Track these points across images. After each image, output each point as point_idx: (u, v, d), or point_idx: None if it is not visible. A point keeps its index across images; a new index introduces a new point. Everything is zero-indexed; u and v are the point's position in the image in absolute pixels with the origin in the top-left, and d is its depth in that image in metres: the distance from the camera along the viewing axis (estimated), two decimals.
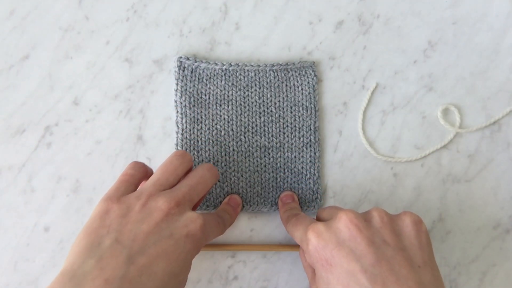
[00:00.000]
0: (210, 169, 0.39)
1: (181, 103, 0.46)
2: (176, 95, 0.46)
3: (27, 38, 0.48)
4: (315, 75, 0.47)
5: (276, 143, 0.46)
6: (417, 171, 0.47)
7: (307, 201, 0.46)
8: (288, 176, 0.46)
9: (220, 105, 0.46)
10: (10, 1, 0.48)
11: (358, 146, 0.47)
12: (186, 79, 0.46)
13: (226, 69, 0.47)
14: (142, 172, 0.39)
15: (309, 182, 0.46)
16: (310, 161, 0.46)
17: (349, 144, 0.47)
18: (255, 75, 0.47)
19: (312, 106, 0.46)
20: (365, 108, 0.47)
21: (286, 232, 0.46)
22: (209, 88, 0.46)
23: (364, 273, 0.32)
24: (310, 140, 0.46)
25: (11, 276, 0.45)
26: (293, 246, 0.46)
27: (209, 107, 0.46)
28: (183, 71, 0.46)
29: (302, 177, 0.46)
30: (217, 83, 0.47)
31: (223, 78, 0.47)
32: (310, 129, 0.46)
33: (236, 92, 0.46)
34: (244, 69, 0.47)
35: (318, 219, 0.40)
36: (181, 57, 0.47)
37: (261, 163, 0.46)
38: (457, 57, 0.48)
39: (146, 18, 0.48)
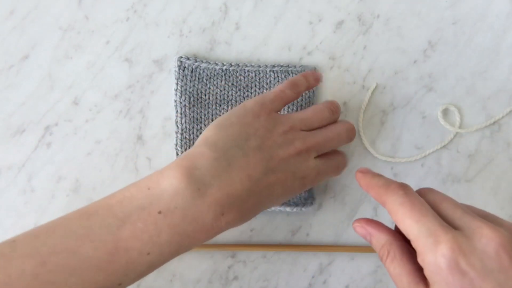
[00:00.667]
0: (349, 131, 0.41)
1: (181, 103, 0.46)
2: (176, 95, 0.46)
3: (27, 38, 0.48)
4: None
5: None
6: (417, 171, 0.47)
7: (301, 199, 0.45)
8: None
9: (220, 105, 0.46)
10: (10, 1, 0.48)
11: (358, 146, 0.47)
12: (186, 79, 0.46)
13: (226, 69, 0.47)
14: (296, 94, 0.41)
15: None
16: None
17: (349, 144, 0.47)
18: (255, 75, 0.47)
19: None
20: (365, 108, 0.47)
21: (286, 232, 0.46)
22: (209, 88, 0.46)
23: None
24: None
25: None
26: (293, 246, 0.46)
27: (208, 107, 0.46)
28: (183, 71, 0.46)
29: None
30: (217, 83, 0.47)
31: (223, 78, 0.47)
32: None
33: (236, 92, 0.46)
34: (244, 69, 0.47)
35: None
36: (181, 57, 0.46)
37: None
38: (457, 57, 0.48)
39: (146, 18, 0.48)
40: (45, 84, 0.47)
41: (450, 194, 0.47)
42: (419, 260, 0.28)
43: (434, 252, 0.27)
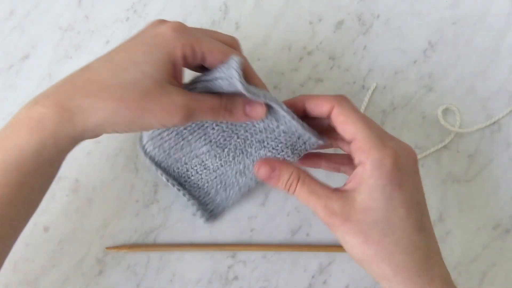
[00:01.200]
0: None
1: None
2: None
3: (27, 38, 0.48)
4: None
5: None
6: None
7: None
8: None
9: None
10: (10, 1, 0.48)
11: None
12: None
13: None
14: None
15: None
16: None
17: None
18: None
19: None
20: (365, 108, 0.47)
21: (286, 233, 0.46)
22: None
23: (424, 204, 0.36)
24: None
25: (10, 276, 0.45)
26: (294, 246, 0.46)
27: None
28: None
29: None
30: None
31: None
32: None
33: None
34: None
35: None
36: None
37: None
38: (457, 57, 0.48)
39: (146, 17, 0.48)
40: (45, 84, 0.47)
41: (450, 194, 0.47)
42: (361, 156, 0.35)
43: (382, 152, 0.34)
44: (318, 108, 0.38)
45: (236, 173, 0.44)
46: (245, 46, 0.48)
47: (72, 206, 0.46)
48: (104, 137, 0.47)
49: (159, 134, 0.42)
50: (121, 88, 0.32)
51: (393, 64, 0.48)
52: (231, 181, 0.44)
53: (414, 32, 0.48)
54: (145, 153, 0.43)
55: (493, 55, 0.48)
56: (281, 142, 0.41)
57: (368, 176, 0.34)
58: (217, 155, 0.43)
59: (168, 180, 0.44)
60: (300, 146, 0.41)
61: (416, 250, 0.34)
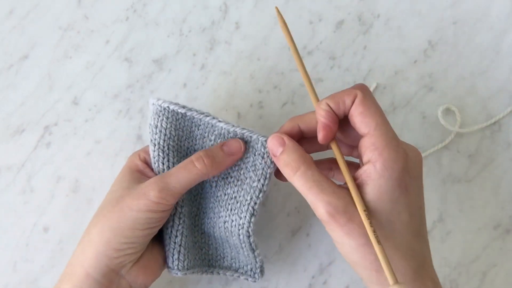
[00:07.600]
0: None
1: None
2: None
3: (27, 38, 0.48)
4: (271, 162, 0.39)
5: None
6: None
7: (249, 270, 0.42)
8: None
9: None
10: (9, 0, 0.48)
11: None
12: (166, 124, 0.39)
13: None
14: None
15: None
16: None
17: None
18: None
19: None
20: None
21: (286, 232, 0.46)
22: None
23: (423, 209, 0.36)
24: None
25: (10, 276, 0.45)
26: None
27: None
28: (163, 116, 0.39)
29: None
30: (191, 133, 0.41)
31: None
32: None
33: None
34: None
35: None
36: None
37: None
38: (458, 57, 0.48)
39: (146, 17, 0.48)
40: (44, 84, 0.47)
41: (450, 194, 0.47)
42: (373, 154, 0.33)
43: (395, 152, 0.33)
44: (341, 104, 0.36)
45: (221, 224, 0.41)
46: (245, 46, 0.48)
47: (72, 206, 0.46)
48: (104, 137, 0.47)
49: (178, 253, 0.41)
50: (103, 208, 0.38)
51: (393, 64, 0.48)
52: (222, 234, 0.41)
53: (414, 32, 0.48)
54: (181, 271, 0.41)
55: (493, 55, 0.48)
56: (240, 167, 0.40)
57: (378, 176, 0.33)
58: (198, 213, 0.42)
59: (203, 273, 0.43)
60: (260, 163, 0.39)
61: (414, 256, 0.34)
